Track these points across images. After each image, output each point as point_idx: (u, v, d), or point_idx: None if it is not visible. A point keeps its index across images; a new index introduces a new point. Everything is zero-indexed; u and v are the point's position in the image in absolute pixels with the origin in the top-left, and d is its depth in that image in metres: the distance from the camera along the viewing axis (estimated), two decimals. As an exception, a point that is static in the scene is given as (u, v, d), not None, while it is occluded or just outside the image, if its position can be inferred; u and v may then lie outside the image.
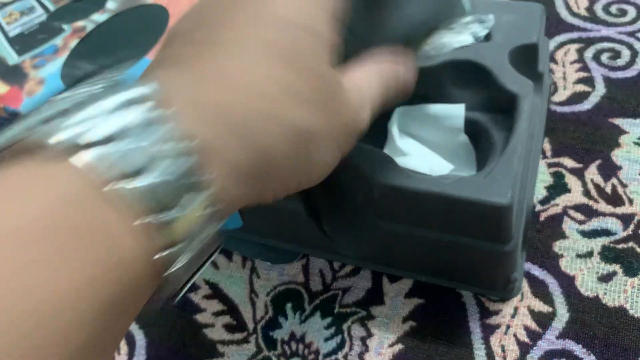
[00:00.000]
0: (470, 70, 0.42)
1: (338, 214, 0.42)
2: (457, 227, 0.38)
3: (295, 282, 0.44)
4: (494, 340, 0.39)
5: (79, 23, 0.49)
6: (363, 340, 0.41)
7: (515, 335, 0.39)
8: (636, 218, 0.43)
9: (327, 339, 0.41)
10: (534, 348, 0.39)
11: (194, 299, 0.44)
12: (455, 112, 0.42)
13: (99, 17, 0.49)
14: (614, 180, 0.45)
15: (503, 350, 0.39)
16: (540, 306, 0.40)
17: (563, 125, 0.48)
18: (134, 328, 0.44)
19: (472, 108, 0.42)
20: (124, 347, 0.43)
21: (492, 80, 0.41)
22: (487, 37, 0.43)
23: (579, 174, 0.45)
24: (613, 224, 0.43)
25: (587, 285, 0.41)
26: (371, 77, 0.26)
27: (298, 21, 0.21)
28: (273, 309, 0.43)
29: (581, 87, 0.50)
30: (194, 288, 0.45)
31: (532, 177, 0.43)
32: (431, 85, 0.43)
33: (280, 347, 0.41)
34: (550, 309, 0.40)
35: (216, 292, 0.45)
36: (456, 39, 0.43)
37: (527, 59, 0.43)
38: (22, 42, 0.49)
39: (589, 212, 0.44)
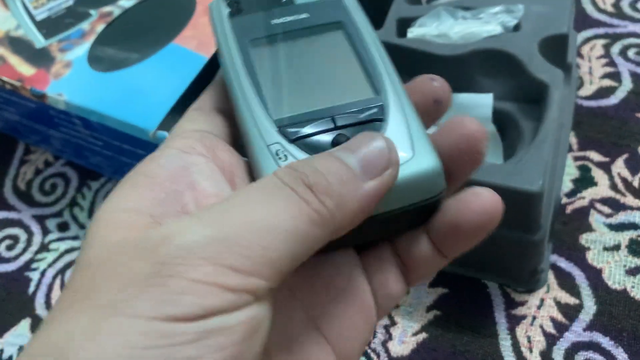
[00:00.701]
0: (499, 60, 0.41)
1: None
2: (485, 215, 0.38)
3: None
4: (520, 331, 0.39)
5: (106, 8, 0.49)
6: (387, 328, 0.40)
7: (541, 327, 0.39)
8: (664, 212, 0.42)
9: (350, 327, 0.41)
10: (561, 339, 0.38)
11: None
12: (483, 101, 0.42)
13: (125, 2, 0.49)
14: (642, 175, 0.44)
15: (529, 341, 0.39)
16: (566, 298, 0.40)
17: (589, 120, 0.48)
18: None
19: (500, 97, 0.42)
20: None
21: (521, 70, 0.41)
22: (517, 27, 0.43)
23: (605, 167, 0.45)
24: (641, 218, 0.42)
25: (614, 278, 0.40)
26: None
27: None
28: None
29: (608, 82, 0.50)
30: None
31: (561, 168, 0.43)
32: (459, 74, 0.43)
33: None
34: (577, 301, 0.40)
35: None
36: (485, 28, 0.43)
37: (556, 49, 0.42)
38: (49, 26, 0.49)
39: (616, 206, 0.43)
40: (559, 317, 0.39)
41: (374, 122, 0.20)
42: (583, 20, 0.54)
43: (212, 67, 0.44)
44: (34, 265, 0.47)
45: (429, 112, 0.22)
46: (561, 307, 0.40)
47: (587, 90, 0.50)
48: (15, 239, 0.49)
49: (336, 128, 0.20)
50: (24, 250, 0.48)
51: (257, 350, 0.16)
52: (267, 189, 0.17)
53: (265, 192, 0.17)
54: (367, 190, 0.18)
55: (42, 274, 0.46)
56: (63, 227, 0.49)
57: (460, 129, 0.20)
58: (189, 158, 0.20)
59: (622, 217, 0.43)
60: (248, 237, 0.16)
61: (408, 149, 0.20)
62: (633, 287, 0.40)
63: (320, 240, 0.17)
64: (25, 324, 0.44)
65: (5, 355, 0.43)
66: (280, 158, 0.20)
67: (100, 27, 0.48)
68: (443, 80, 0.22)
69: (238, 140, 0.22)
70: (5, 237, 0.49)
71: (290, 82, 0.21)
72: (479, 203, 0.19)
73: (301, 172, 0.17)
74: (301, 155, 0.20)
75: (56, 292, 0.45)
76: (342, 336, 0.20)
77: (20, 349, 0.43)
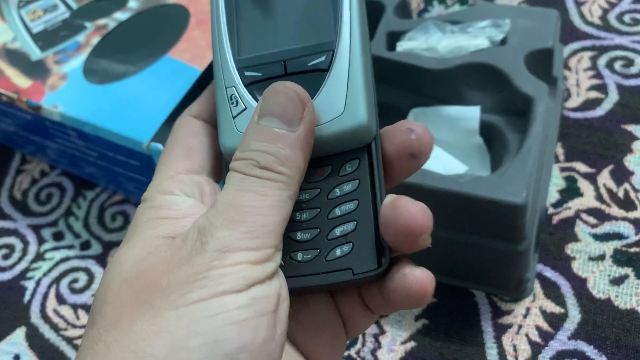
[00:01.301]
0: (486, 73, 0.42)
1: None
2: (471, 226, 0.38)
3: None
4: (506, 340, 0.40)
5: (101, 21, 0.50)
6: (376, 337, 0.41)
7: (527, 335, 0.40)
8: (648, 223, 0.43)
9: (339, 335, 0.41)
10: (546, 348, 0.39)
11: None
12: (470, 114, 0.43)
13: (120, 15, 0.50)
14: (627, 185, 0.45)
15: (515, 350, 0.39)
16: (552, 307, 0.41)
17: (576, 131, 0.49)
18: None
19: (487, 110, 0.43)
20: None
21: (507, 83, 0.42)
22: (503, 41, 0.44)
23: (591, 178, 0.46)
24: (625, 228, 0.43)
25: (599, 287, 0.41)
26: None
27: None
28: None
29: (594, 94, 0.51)
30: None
31: (546, 179, 0.44)
32: (447, 87, 0.43)
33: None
34: (562, 310, 0.40)
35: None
36: (472, 42, 0.44)
37: (542, 63, 0.43)
38: (45, 39, 0.50)
39: (601, 216, 0.44)
40: (545, 325, 0.40)
41: (318, 72, 0.21)
42: (570, 33, 0.55)
43: (206, 79, 0.44)
44: (29, 274, 0.47)
45: (404, 165, 0.22)
46: (546, 316, 0.40)
47: (574, 102, 0.50)
48: (11, 248, 0.49)
49: (285, 74, 0.21)
50: (20, 259, 0.48)
51: (284, 326, 0.20)
52: (238, 184, 0.20)
53: (238, 187, 0.20)
54: (300, 136, 0.20)
55: (38, 282, 0.47)
56: (58, 236, 0.49)
57: (402, 217, 0.20)
58: (190, 200, 0.22)
59: (607, 227, 0.44)
60: (249, 225, 0.19)
61: (340, 105, 0.21)
62: (617, 296, 0.40)
63: (295, 194, 0.21)
64: (20, 332, 0.45)
65: (0, 363, 0.43)
66: (232, 103, 0.22)
67: (95, 40, 0.49)
68: (424, 129, 0.21)
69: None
70: (1, 246, 0.49)
71: (259, 23, 0.22)
72: (407, 287, 0.20)
73: (250, 158, 0.20)
74: (251, 101, 0.21)
75: (51, 301, 0.46)
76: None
77: (16, 358, 0.43)
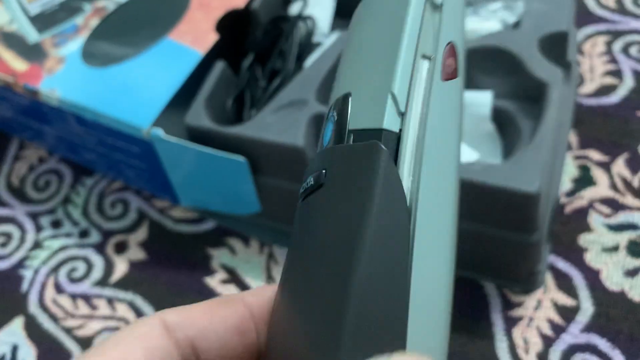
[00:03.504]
0: (498, 58, 0.41)
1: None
2: (482, 216, 0.37)
3: (313, 269, 0.43)
4: (517, 333, 0.39)
5: (100, 3, 0.48)
6: (382, 329, 0.40)
7: (538, 328, 0.39)
8: (664, 213, 0.42)
9: (345, 327, 0.40)
10: (558, 341, 0.38)
11: (211, 284, 0.44)
12: (482, 99, 0.41)
13: (120, -3, 0.48)
14: (642, 174, 0.44)
15: (526, 343, 0.38)
16: (564, 299, 0.39)
17: (590, 118, 0.47)
18: (148, 309, 0.43)
19: (499, 96, 0.41)
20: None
21: (520, 68, 0.40)
22: (516, 24, 0.43)
23: (605, 167, 0.45)
24: (640, 218, 0.42)
25: (612, 279, 0.40)
26: None
27: None
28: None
29: (609, 80, 0.49)
30: (211, 272, 0.44)
31: (559, 168, 0.43)
32: (457, 72, 0.42)
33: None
34: (575, 303, 0.39)
35: (233, 277, 0.44)
36: (484, 25, 0.43)
37: (556, 47, 0.42)
38: (43, 21, 0.48)
39: (616, 206, 0.43)
40: (556, 318, 0.39)
41: None
42: (584, 17, 0.53)
43: (207, 62, 0.43)
44: (27, 263, 0.46)
45: None
46: (558, 308, 0.39)
47: (588, 88, 0.49)
48: (8, 236, 0.48)
49: None
50: (17, 247, 0.47)
51: None
52: None
53: None
54: None
55: (36, 271, 0.46)
56: (57, 224, 0.48)
57: None
58: None
59: (621, 217, 0.42)
60: None
61: None
62: (631, 288, 0.39)
63: None
64: (18, 322, 0.44)
65: (-2, 353, 0.42)
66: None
67: (94, 22, 0.47)
68: None
69: None
70: (-2, 234, 0.48)
71: None
72: None
73: None
74: None
75: (49, 290, 0.45)
76: None
77: (14, 347, 0.42)
